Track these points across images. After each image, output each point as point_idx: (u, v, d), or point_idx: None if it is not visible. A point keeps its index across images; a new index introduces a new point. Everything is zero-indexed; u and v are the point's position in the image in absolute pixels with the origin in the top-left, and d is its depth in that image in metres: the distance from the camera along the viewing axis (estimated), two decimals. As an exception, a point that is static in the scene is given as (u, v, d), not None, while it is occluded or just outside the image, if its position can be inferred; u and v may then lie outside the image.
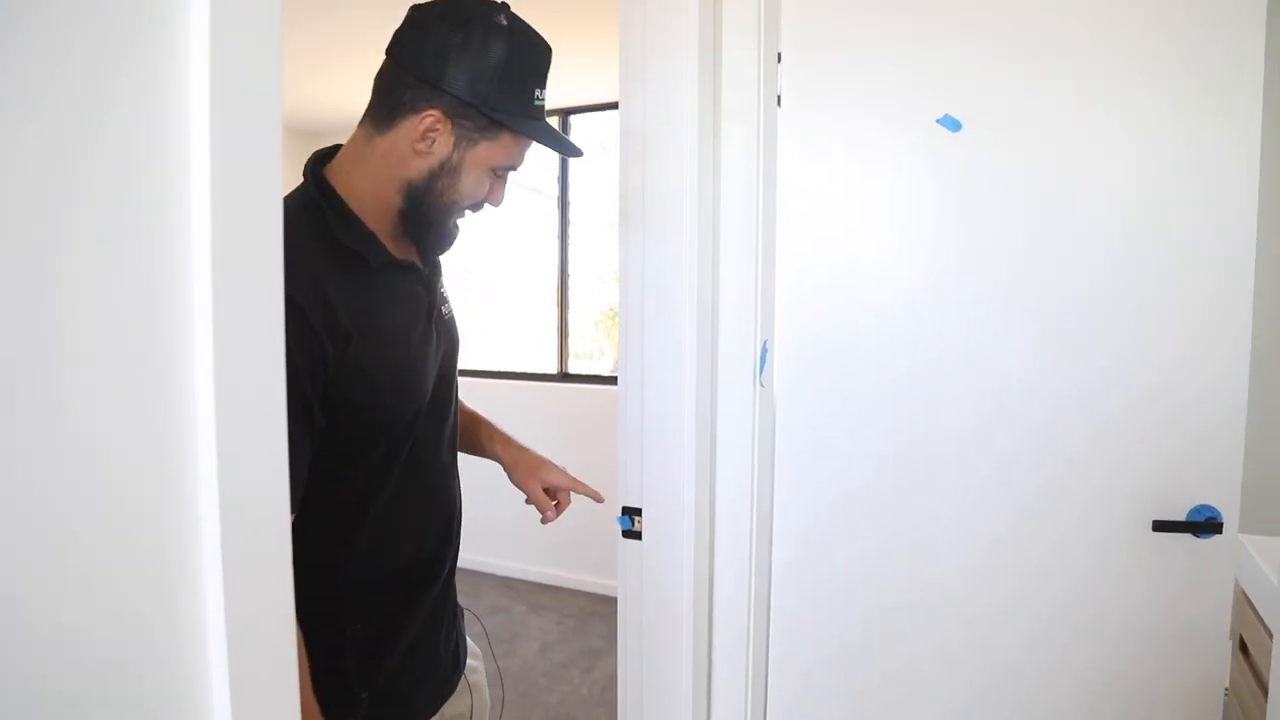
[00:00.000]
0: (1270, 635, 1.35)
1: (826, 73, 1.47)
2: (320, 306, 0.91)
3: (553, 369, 4.23)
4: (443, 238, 1.08)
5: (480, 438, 1.33)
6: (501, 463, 1.30)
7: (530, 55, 1.03)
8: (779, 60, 1.45)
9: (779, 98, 1.46)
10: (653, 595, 1.37)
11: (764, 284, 1.42)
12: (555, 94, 4.30)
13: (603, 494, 1.32)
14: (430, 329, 1.11)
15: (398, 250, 1.07)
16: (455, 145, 1.01)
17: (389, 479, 1.05)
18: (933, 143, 1.43)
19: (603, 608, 3.69)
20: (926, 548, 1.50)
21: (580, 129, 4.23)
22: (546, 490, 1.27)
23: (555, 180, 4.25)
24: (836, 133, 1.48)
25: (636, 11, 1.33)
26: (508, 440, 1.32)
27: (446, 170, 1.02)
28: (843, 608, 1.54)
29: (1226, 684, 1.44)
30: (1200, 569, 1.39)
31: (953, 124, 1.41)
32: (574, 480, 1.28)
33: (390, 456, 1.05)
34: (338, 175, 1.03)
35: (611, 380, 4.03)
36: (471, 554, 4.26)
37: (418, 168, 1.01)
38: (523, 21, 1.03)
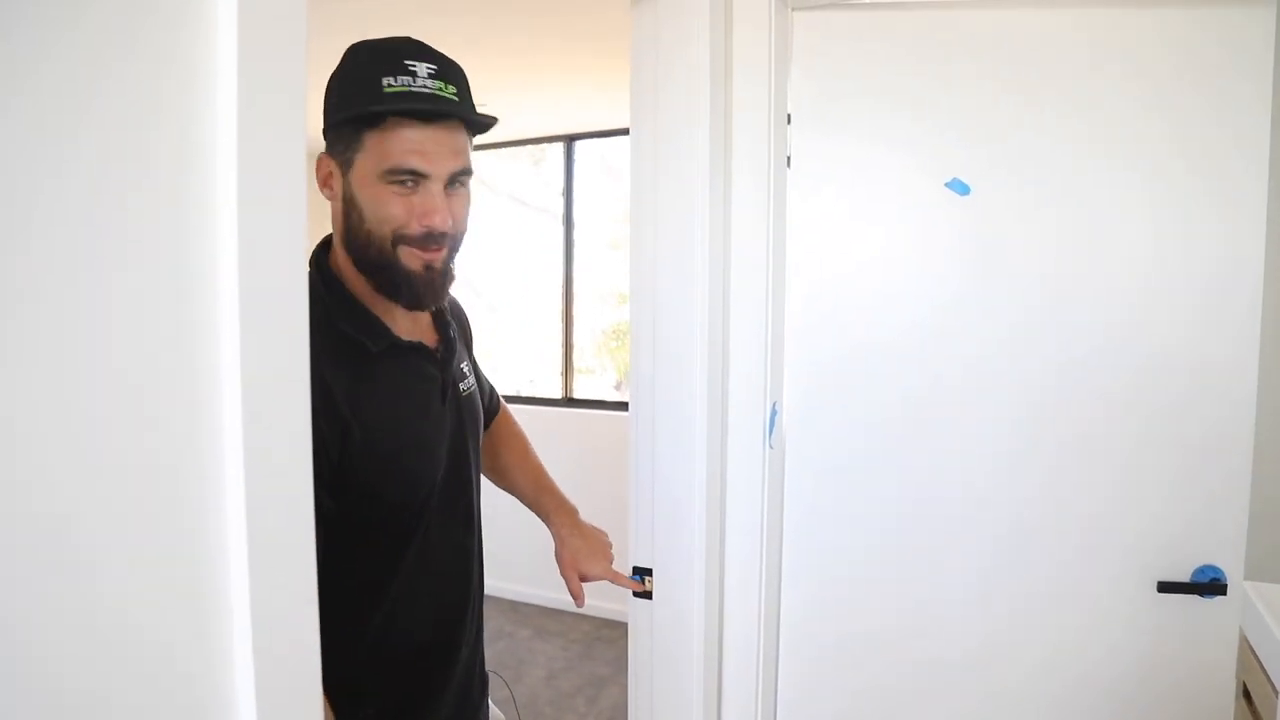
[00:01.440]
0: (1276, 691, 1.37)
1: (836, 130, 1.48)
2: (319, 395, 0.91)
3: (557, 393, 4.24)
4: (412, 283, 0.99)
5: (542, 508, 1.35)
6: (554, 538, 1.32)
7: (370, 55, 0.97)
8: (789, 121, 1.47)
9: (789, 159, 1.48)
10: (663, 655, 1.39)
11: (773, 346, 1.43)
12: (560, 120, 4.29)
13: (614, 544, 1.34)
14: (444, 410, 1.10)
15: (406, 328, 1.06)
16: (342, 175, 0.97)
17: (401, 561, 1.05)
18: (948, 199, 1.44)
19: (608, 632, 3.70)
20: (935, 620, 1.50)
21: (584, 153, 4.25)
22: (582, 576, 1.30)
23: (558, 197, 4.27)
24: (846, 190, 1.49)
25: (648, 64, 1.35)
26: (564, 518, 1.32)
27: (350, 204, 0.98)
28: (850, 678, 1.54)
29: (1231, 727, 1.46)
30: (1205, 629, 1.40)
31: (961, 188, 1.42)
32: (614, 574, 1.31)
33: (402, 540, 1.05)
34: (335, 259, 1.03)
35: (616, 405, 4.04)
36: (476, 576, 4.27)
37: (337, 218, 1.00)
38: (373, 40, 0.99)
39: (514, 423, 1.45)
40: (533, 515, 1.39)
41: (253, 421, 0.55)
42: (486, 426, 1.38)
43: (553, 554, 1.32)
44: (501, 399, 1.43)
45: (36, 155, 0.44)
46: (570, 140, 4.18)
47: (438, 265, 1.01)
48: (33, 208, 0.44)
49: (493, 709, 1.31)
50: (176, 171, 0.52)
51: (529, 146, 4.40)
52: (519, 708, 3.02)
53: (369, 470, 0.97)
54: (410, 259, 0.98)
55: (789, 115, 1.47)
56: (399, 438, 1.02)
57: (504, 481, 1.41)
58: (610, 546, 1.33)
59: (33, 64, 0.43)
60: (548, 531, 1.34)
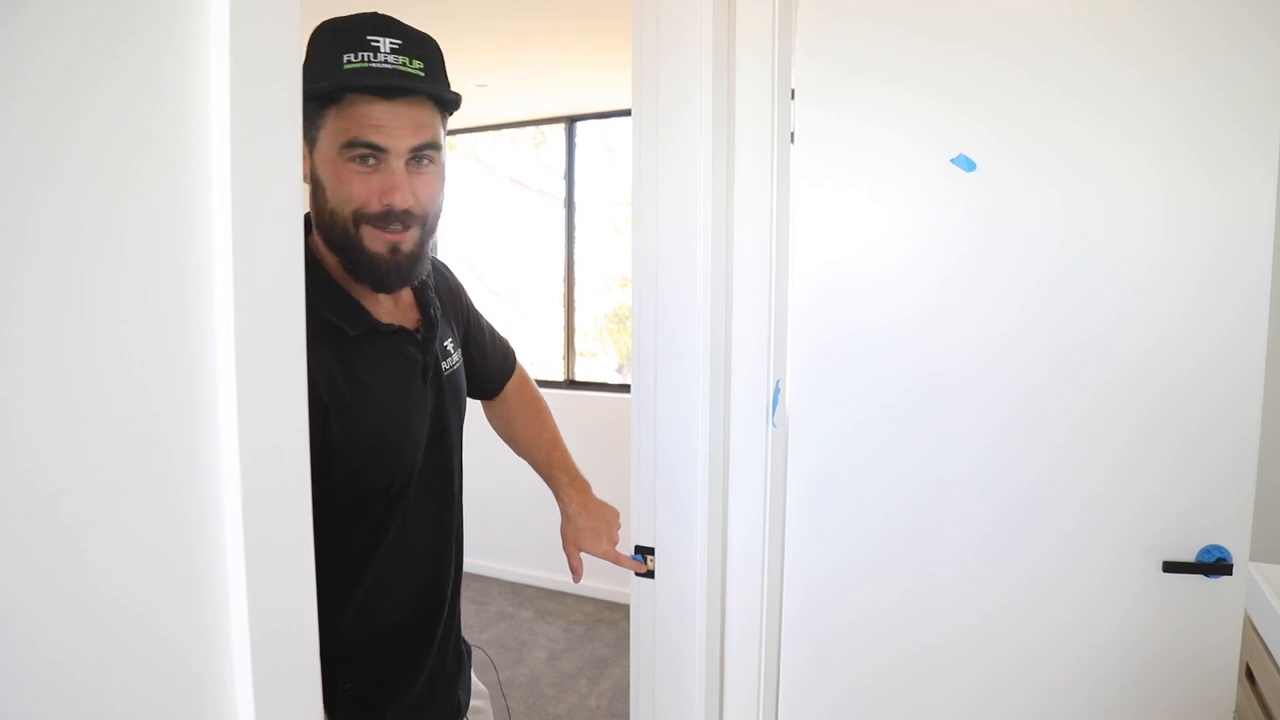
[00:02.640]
0: None
1: (840, 103, 1.46)
2: None
3: (559, 375, 4.24)
4: (374, 265, 0.97)
5: (553, 481, 1.34)
6: (560, 513, 1.32)
7: (333, 33, 0.95)
8: (793, 97, 1.45)
9: (792, 135, 1.46)
10: (665, 636, 1.38)
11: (777, 322, 1.42)
12: (562, 100, 4.25)
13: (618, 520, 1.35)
14: (425, 391, 1.09)
15: (386, 312, 1.05)
16: (309, 152, 0.96)
17: (381, 543, 1.04)
18: (952, 177, 1.42)
19: (610, 614, 3.71)
20: (938, 602, 1.50)
21: (586, 135, 4.22)
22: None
23: (562, 179, 4.25)
24: (850, 165, 1.47)
25: (649, 38, 1.33)
26: (573, 494, 1.32)
27: (315, 184, 0.97)
28: (854, 660, 1.54)
29: (1233, 708, 1.45)
30: (1210, 609, 1.39)
31: (967, 164, 1.40)
32: (615, 555, 1.31)
33: (382, 522, 1.04)
34: (314, 241, 1.01)
35: (618, 388, 4.04)
36: (479, 559, 4.31)
37: (308, 197, 0.97)
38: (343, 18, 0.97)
39: (530, 388, 1.43)
40: (533, 497, 1.39)
41: (249, 413, 0.54)
42: (499, 389, 1.38)
43: (555, 532, 1.32)
44: (518, 360, 1.41)
45: (36, 143, 0.44)
46: (572, 121, 4.15)
47: (405, 248, 0.98)
48: (32, 197, 0.43)
49: (475, 682, 1.31)
50: (171, 160, 0.50)
51: (530, 128, 4.37)
52: (518, 687, 3.04)
53: (350, 455, 0.96)
54: (373, 240, 0.97)
55: (792, 90, 1.44)
56: (380, 422, 1.01)
57: (519, 450, 1.40)
58: (618, 526, 1.33)
59: (30, 56, 0.43)
60: (548, 514, 1.33)
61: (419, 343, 1.09)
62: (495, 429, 1.42)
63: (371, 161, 0.94)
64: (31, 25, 0.43)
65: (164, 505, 0.51)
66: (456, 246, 4.67)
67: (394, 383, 1.04)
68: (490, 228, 4.59)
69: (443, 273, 1.28)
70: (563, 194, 4.26)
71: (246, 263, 0.53)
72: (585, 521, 1.30)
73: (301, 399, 0.59)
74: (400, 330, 1.06)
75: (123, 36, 0.47)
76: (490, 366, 1.34)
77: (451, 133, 4.55)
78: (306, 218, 1.04)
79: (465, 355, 1.25)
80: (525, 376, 1.43)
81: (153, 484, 0.50)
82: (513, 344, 1.43)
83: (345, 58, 0.92)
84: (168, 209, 0.51)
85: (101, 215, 0.47)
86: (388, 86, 0.93)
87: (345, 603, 1.02)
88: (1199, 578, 1.38)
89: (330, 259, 1.01)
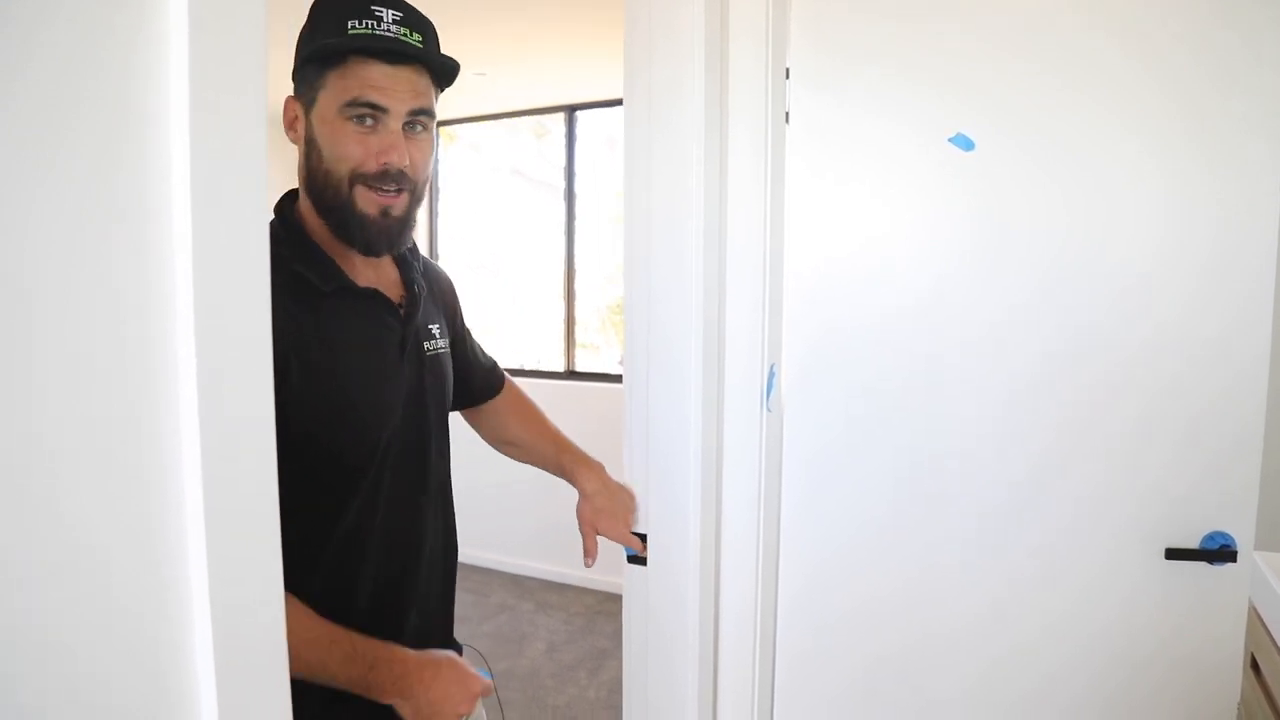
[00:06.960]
0: (1285, 661, 1.34)
1: (837, 87, 1.44)
2: None
3: (559, 366, 4.22)
4: (366, 226, 0.99)
5: (565, 467, 1.33)
6: (579, 492, 1.31)
7: (338, 1, 0.98)
8: (787, 76, 1.42)
9: (787, 115, 1.43)
10: (657, 625, 1.37)
11: (771, 306, 1.40)
12: (562, 89, 4.23)
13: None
14: (401, 364, 1.07)
15: (366, 277, 1.05)
16: (305, 114, 0.99)
17: (342, 521, 1.00)
18: (954, 171, 1.40)
19: (610, 606, 3.70)
20: (935, 589, 1.48)
21: (586, 124, 4.20)
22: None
23: (561, 172, 4.23)
24: (846, 149, 1.45)
25: (641, 18, 1.31)
26: (590, 473, 1.31)
27: (311, 144, 0.99)
28: (858, 645, 1.52)
29: (1238, 698, 1.44)
30: (1214, 596, 1.37)
31: (965, 143, 1.38)
32: (627, 537, 1.31)
33: (343, 498, 1.00)
34: (299, 207, 1.04)
35: (618, 379, 4.03)
36: (481, 551, 4.30)
37: (300, 159, 1.01)
38: None
39: (524, 395, 1.43)
40: (534, 489, 1.37)
41: (209, 381, 0.52)
42: (483, 401, 1.37)
43: (556, 524, 1.30)
44: (506, 374, 1.41)
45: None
46: (572, 110, 4.13)
47: (395, 211, 1.01)
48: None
49: None
50: (140, 138, 0.49)
51: (530, 118, 4.35)
52: (518, 679, 3.03)
53: (310, 411, 0.93)
54: (366, 202, 0.98)
55: (787, 70, 1.42)
56: (344, 380, 0.99)
57: (521, 452, 1.39)
58: (634, 509, 1.34)
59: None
60: (550, 506, 1.31)
61: (399, 315, 1.08)
62: (489, 440, 1.41)
63: (370, 122, 0.97)
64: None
65: (124, 472, 0.50)
66: (457, 238, 4.66)
67: (365, 345, 1.03)
68: (490, 219, 4.57)
69: (437, 270, 1.28)
70: (563, 186, 4.24)
71: (207, 236, 0.52)
72: (604, 502, 1.29)
73: (266, 374, 0.57)
74: (376, 294, 1.05)
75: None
76: (475, 377, 1.33)
77: (451, 123, 4.53)
78: (292, 192, 1.05)
79: (452, 358, 1.23)
80: (517, 387, 1.43)
81: (113, 448, 0.49)
82: (507, 347, 1.42)
83: (349, 23, 0.95)
84: (130, 185, 0.49)
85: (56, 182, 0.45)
86: (392, 50, 0.96)
87: (308, 582, 0.95)
88: (1202, 565, 1.36)
89: (316, 224, 1.01)
